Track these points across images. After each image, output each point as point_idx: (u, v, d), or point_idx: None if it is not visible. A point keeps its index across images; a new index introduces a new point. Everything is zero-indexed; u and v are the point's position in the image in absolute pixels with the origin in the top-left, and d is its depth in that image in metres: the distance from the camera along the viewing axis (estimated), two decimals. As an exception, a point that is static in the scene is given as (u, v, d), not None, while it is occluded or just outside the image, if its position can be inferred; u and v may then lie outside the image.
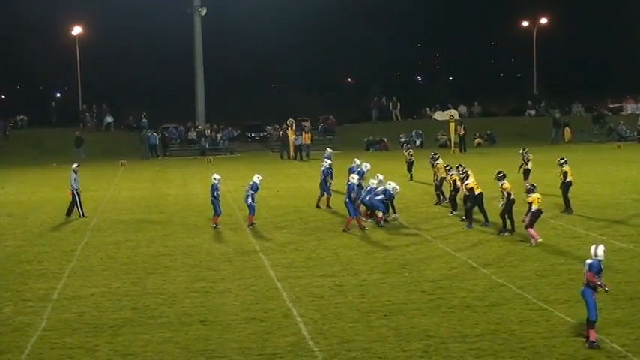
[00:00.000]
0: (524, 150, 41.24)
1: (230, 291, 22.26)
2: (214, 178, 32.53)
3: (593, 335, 17.06)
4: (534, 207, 27.14)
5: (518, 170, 40.35)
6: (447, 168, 35.23)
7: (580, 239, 27.75)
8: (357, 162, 37.48)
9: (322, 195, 36.28)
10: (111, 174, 53.62)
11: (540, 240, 27.11)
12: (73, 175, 35.77)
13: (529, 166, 40.18)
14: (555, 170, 35.35)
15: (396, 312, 19.76)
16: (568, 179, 33.30)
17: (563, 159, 34.18)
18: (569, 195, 33.31)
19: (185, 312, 20.36)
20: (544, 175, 40.57)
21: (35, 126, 77.76)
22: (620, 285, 21.38)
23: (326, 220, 32.94)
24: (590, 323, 17.06)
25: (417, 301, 20.69)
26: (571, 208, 32.99)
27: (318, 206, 36.12)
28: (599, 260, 17.29)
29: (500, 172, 29.89)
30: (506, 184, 29.37)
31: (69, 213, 35.74)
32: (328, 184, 36.37)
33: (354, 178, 31.54)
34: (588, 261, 17.39)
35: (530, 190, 27.59)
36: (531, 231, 27.25)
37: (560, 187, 33.63)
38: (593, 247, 17.50)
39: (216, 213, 32.07)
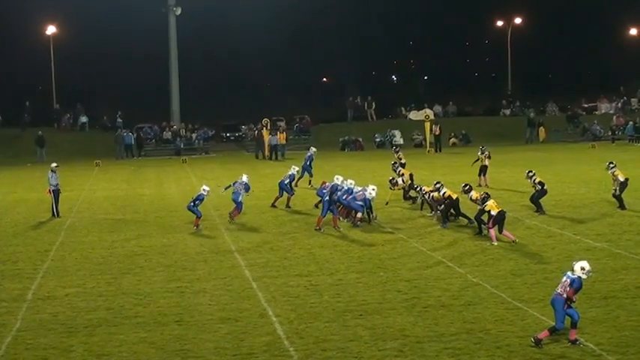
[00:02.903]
0: (482, 147, 41.88)
1: (205, 291, 22.21)
2: (204, 189, 32.17)
3: (573, 334, 17.10)
4: (494, 212, 27.46)
5: (472, 164, 40.88)
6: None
7: (555, 239, 27.87)
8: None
9: (281, 195, 36.41)
10: (86, 174, 53.41)
11: (516, 240, 27.20)
12: (51, 174, 35.63)
13: (487, 162, 40.80)
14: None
15: (371, 311, 19.77)
16: (545, 187, 33.37)
17: (531, 171, 34.07)
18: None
19: (160, 312, 20.29)
20: (518, 175, 40.65)
21: (9, 125, 77.32)
22: (594, 284, 21.45)
23: (301, 220, 32.92)
24: (573, 324, 17.07)
25: (393, 300, 20.71)
26: (543, 209, 33.12)
27: (274, 205, 36.39)
28: (582, 279, 17.15)
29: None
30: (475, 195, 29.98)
31: (57, 212, 35.58)
32: (291, 184, 37.14)
33: (339, 179, 31.95)
34: (571, 276, 17.12)
35: (485, 199, 28.10)
36: (492, 231, 27.48)
37: (532, 195, 33.83)
38: (577, 264, 17.27)
39: (198, 216, 31.84)
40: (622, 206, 32.98)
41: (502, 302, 20.26)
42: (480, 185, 39.72)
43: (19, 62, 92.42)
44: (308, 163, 43.77)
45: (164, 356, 17.38)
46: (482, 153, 41.80)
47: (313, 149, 46.15)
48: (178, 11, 76.02)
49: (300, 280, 23.11)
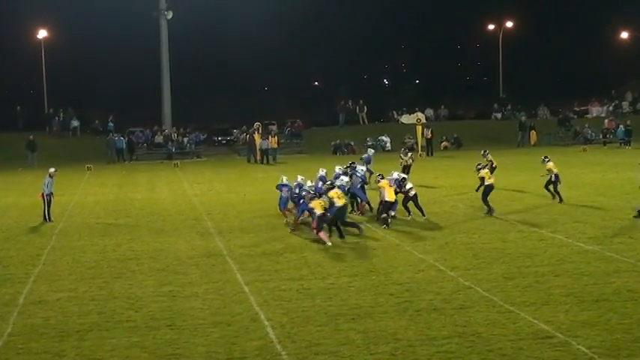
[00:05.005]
0: (484, 151, 42.13)
1: (197, 295, 22.18)
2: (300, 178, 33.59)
3: None
4: (318, 211, 28.45)
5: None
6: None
7: (546, 242, 27.88)
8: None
9: None
10: (77, 178, 53.33)
11: (329, 244, 28.05)
12: (48, 179, 35.62)
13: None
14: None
15: (363, 315, 19.75)
16: (487, 182, 34.33)
17: (480, 164, 35.95)
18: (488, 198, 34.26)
19: (152, 316, 20.25)
20: (510, 178, 40.72)
21: (1, 130, 77.23)
22: (586, 287, 21.50)
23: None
24: None
25: (385, 304, 20.70)
26: (492, 209, 33.80)
27: None
28: None
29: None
30: None
31: (48, 217, 35.55)
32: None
33: (362, 170, 33.97)
34: None
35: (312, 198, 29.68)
36: (322, 234, 28.40)
37: (477, 190, 35.40)
38: None
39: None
40: (560, 199, 36.28)
41: (494, 306, 20.26)
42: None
43: (10, 66, 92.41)
44: (368, 165, 42.54)
45: (156, 360, 17.37)
46: (485, 157, 41.93)
47: (372, 151, 47.13)
48: (170, 15, 76.01)
49: (292, 284, 23.08)
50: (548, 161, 37.32)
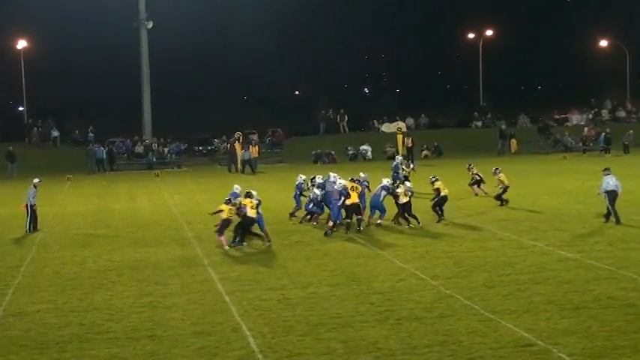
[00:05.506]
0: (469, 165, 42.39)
1: (178, 305, 22.11)
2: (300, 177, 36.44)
3: None
4: (225, 216, 29.95)
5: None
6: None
7: (527, 250, 27.94)
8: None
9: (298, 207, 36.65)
10: (57, 189, 53.08)
11: (227, 248, 29.40)
12: (32, 190, 35.49)
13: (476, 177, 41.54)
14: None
15: (344, 325, 19.73)
16: (442, 194, 34.96)
17: (434, 177, 36.47)
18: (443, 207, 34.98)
19: (133, 327, 20.18)
20: (490, 187, 40.80)
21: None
22: (566, 295, 21.56)
23: (273, 233, 32.82)
24: None
25: (366, 313, 20.68)
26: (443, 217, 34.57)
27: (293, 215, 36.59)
28: None
29: None
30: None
31: (34, 227, 35.40)
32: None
33: (237, 188, 33.35)
34: None
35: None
36: (221, 237, 29.79)
37: (432, 200, 35.48)
38: None
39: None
40: (502, 204, 38.04)
41: (475, 314, 20.28)
42: (476, 195, 41.82)
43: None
44: (395, 172, 44.17)
45: (136, 372, 17.30)
46: (470, 171, 42.71)
47: (399, 158, 47.63)
48: (150, 25, 75.84)
49: (273, 293, 23.04)
50: (500, 172, 38.92)
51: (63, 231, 35.97)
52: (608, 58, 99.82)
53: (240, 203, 30.25)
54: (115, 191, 52.25)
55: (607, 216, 32.91)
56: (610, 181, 32.88)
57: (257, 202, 30.50)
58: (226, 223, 30.10)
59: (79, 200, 47.60)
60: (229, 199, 30.87)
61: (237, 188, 33.33)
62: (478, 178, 41.89)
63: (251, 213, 29.96)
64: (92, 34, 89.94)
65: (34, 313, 21.83)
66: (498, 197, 38.44)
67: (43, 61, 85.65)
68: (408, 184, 34.81)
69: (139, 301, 22.79)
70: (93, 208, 43.92)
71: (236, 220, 30.47)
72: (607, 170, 33.50)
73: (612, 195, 32.76)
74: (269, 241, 30.37)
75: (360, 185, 34.05)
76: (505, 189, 38.42)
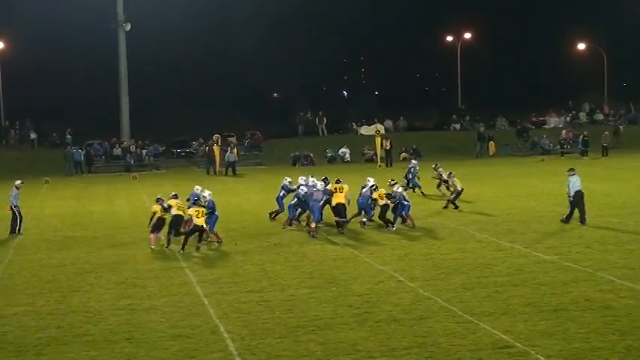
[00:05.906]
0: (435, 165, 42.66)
1: (156, 308, 22.05)
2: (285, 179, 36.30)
3: None
4: (158, 216, 30.74)
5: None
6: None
7: (505, 252, 28.02)
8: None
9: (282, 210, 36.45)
10: (34, 191, 52.78)
11: (154, 247, 30.28)
12: (15, 191, 35.36)
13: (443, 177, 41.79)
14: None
15: (323, 327, 19.73)
16: (381, 203, 34.49)
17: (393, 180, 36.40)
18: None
19: (111, 330, 20.11)
20: (469, 189, 40.92)
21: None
22: (544, 297, 21.63)
23: (252, 235, 32.84)
24: None
25: (344, 315, 20.69)
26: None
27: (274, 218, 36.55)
28: None
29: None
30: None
31: (18, 229, 35.26)
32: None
33: (198, 189, 33.39)
34: None
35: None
36: (152, 236, 30.76)
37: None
38: None
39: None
40: (455, 207, 38.04)
41: (453, 316, 20.32)
42: (443, 195, 41.92)
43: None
44: (411, 175, 44.67)
45: (114, 374, 17.25)
46: (436, 170, 43.16)
47: (414, 162, 47.61)
48: (128, 27, 75.56)
49: (251, 295, 23.02)
50: (454, 177, 39.28)
51: (41, 233, 35.82)
52: (586, 62, 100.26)
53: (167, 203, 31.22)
54: (93, 193, 52.07)
55: (569, 217, 33.11)
56: (577, 182, 33.13)
57: (208, 202, 31.57)
58: (161, 221, 30.91)
59: (56, 202, 47.43)
60: (160, 198, 31.52)
61: (197, 189, 33.26)
62: (442, 178, 42.08)
63: (176, 211, 30.94)
64: (70, 35, 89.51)
65: (12, 316, 21.73)
66: (452, 201, 38.40)
67: (20, 63, 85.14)
68: (398, 188, 34.45)
69: (117, 303, 22.72)
70: (71, 210, 43.77)
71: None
72: (572, 170, 33.74)
73: (579, 195, 32.97)
74: (219, 241, 31.16)
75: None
76: (458, 193, 38.44)
